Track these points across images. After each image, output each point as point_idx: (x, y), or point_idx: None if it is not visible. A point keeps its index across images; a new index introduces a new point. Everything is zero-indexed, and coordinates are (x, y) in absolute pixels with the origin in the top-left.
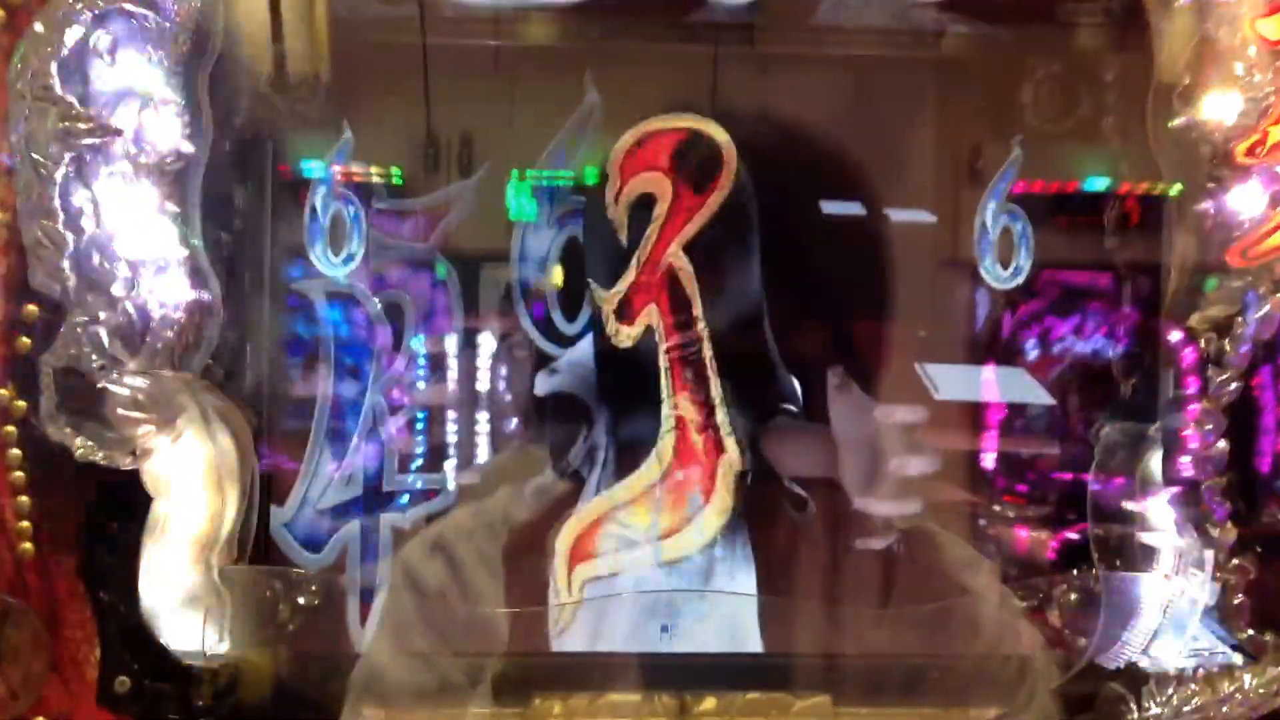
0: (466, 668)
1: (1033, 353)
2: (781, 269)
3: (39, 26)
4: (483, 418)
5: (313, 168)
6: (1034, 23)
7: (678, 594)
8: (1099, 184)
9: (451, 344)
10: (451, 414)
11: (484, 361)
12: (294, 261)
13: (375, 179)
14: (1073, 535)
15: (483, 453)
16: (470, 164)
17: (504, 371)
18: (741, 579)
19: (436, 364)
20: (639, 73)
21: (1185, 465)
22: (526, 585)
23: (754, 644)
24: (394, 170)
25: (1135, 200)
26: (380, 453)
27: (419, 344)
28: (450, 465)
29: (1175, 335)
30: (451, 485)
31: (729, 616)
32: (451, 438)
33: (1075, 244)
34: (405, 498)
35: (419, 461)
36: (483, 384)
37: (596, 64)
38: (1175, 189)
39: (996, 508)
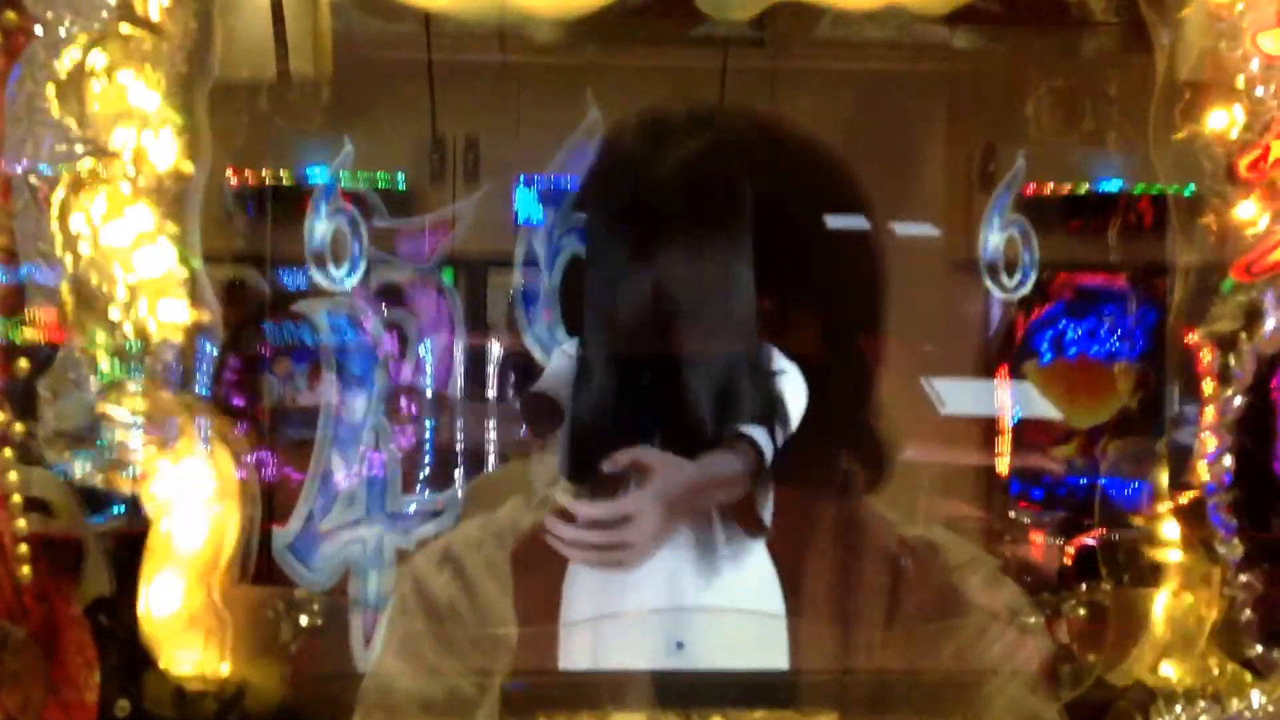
0: (474, 681)
1: (1046, 356)
2: (786, 282)
3: (35, 49)
4: (489, 426)
5: (314, 181)
6: (1041, 34)
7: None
8: (1108, 188)
9: (457, 354)
10: (458, 424)
11: (490, 370)
12: (296, 275)
13: (378, 188)
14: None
15: (490, 462)
16: (476, 172)
17: (511, 380)
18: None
19: (442, 376)
20: (647, 84)
21: (1192, 480)
22: (536, 597)
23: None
24: (399, 176)
25: (1148, 203)
26: (384, 471)
27: (424, 357)
28: (456, 481)
29: (1183, 344)
30: (460, 496)
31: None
32: (457, 449)
33: (1087, 248)
34: (410, 515)
35: (424, 477)
36: (490, 393)
37: (605, 76)
38: (1180, 197)
39: (1011, 514)
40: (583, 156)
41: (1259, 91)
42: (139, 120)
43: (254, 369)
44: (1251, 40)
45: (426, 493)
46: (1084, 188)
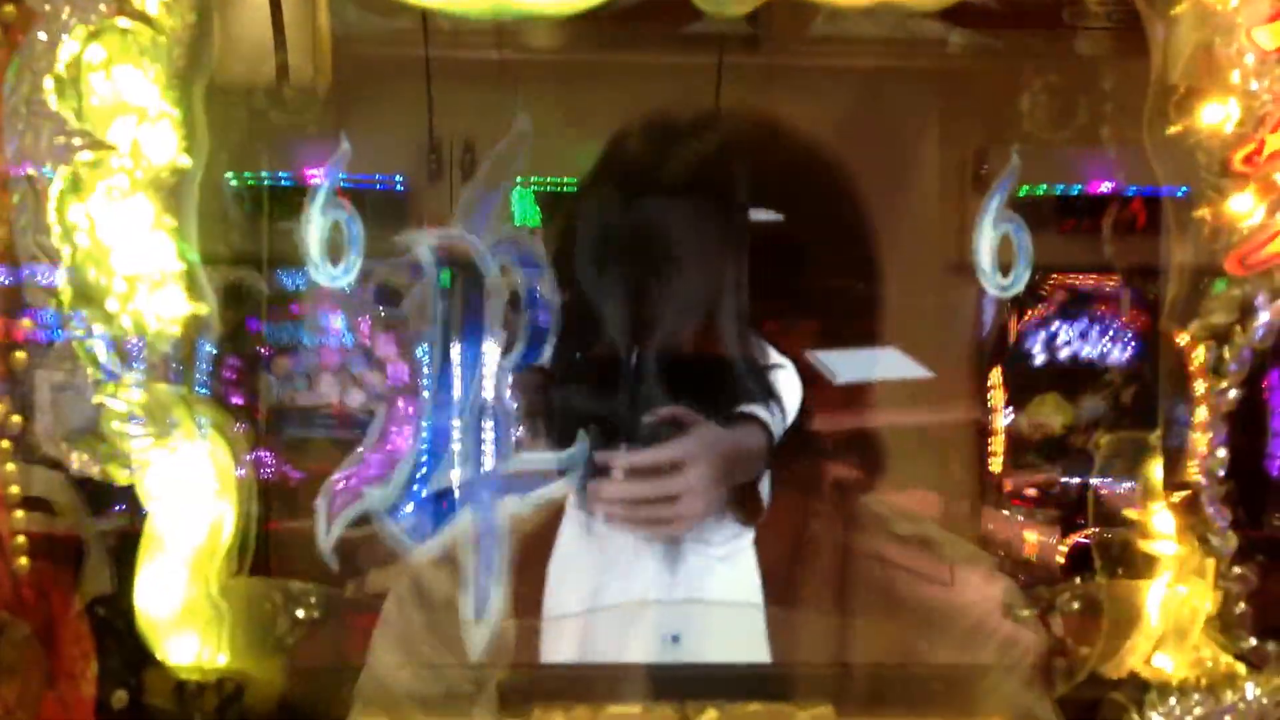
0: (472, 678)
1: (1039, 357)
2: (775, 270)
3: (33, 42)
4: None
5: (311, 178)
6: (1035, 31)
7: (685, 604)
8: (1101, 189)
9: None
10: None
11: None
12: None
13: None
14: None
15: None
16: (473, 174)
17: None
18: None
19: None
20: (644, 82)
21: (1186, 473)
22: (534, 595)
23: (757, 653)
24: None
25: (1141, 204)
26: (499, 427)
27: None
28: (579, 437)
29: (1175, 342)
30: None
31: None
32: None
33: (1081, 249)
34: (527, 477)
35: (421, 475)
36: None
37: (600, 75)
38: (1174, 195)
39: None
40: (513, 165)
41: (1254, 86)
42: (137, 114)
43: (252, 368)
44: (1246, 35)
45: (535, 460)
46: (1077, 188)
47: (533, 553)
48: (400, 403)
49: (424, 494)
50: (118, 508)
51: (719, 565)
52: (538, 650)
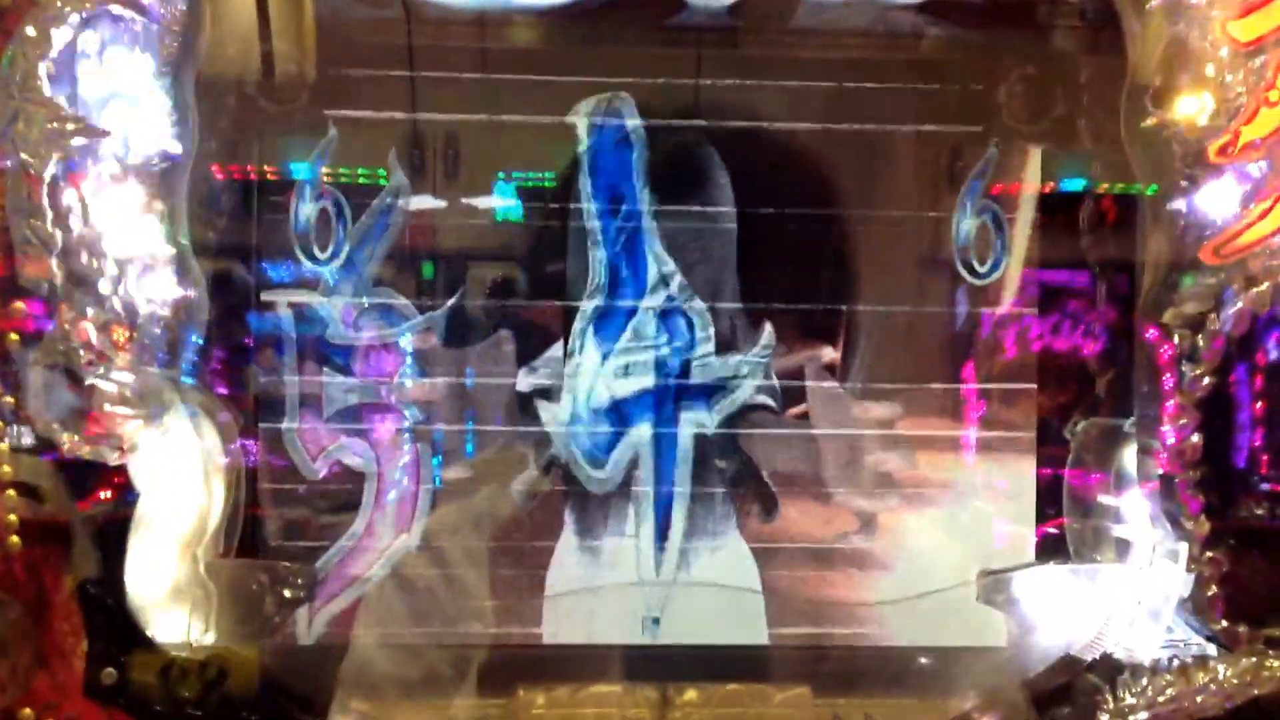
0: (452, 660)
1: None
2: (761, 266)
3: (28, 29)
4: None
5: (299, 167)
6: (1011, 25)
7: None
8: (1075, 184)
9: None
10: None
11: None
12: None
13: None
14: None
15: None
16: (456, 168)
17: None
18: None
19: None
20: (624, 75)
21: (1159, 459)
22: (513, 582)
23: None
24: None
25: (1111, 199)
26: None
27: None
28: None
29: (1150, 332)
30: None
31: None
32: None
33: (1053, 243)
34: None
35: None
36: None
37: (581, 66)
38: (1149, 188)
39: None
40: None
41: (1228, 79)
42: (129, 100)
43: (238, 358)
44: (1220, 29)
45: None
46: (1051, 185)
47: (529, 545)
48: (382, 391)
49: (595, 409)
50: (102, 494)
51: (711, 555)
52: (531, 632)
